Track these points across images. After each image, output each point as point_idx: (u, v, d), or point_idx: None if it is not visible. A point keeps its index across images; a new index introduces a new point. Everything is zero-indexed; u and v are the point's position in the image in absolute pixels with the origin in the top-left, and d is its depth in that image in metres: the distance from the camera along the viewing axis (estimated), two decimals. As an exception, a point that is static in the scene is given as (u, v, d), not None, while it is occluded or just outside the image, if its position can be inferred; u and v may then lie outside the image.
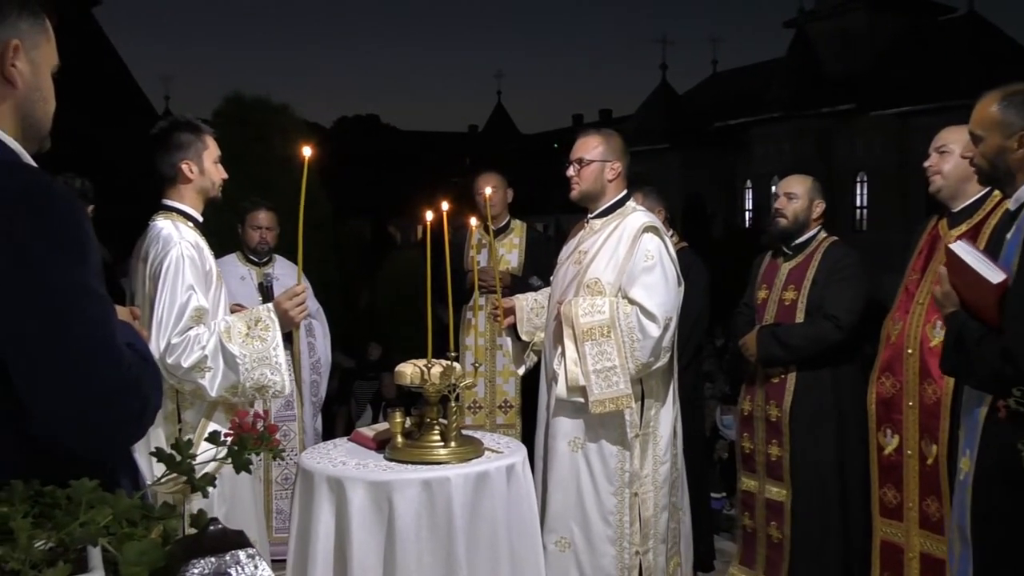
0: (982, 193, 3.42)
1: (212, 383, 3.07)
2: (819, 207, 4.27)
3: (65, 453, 1.51)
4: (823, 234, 4.28)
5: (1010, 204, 2.71)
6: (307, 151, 3.12)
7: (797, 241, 4.27)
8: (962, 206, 3.49)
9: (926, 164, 3.55)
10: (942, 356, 2.78)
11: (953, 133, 3.48)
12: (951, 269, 2.68)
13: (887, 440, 3.61)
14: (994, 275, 2.51)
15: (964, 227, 3.43)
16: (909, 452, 3.52)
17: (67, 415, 1.51)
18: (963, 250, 2.63)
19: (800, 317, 4.13)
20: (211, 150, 3.30)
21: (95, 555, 1.19)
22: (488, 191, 4.56)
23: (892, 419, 3.59)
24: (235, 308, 3.84)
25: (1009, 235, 2.62)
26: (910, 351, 3.51)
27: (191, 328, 3.06)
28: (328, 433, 6.12)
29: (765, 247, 4.58)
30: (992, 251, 2.78)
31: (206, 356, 3.05)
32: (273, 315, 3.21)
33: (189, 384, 3.08)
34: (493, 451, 3.24)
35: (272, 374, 3.14)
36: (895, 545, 3.63)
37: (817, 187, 4.32)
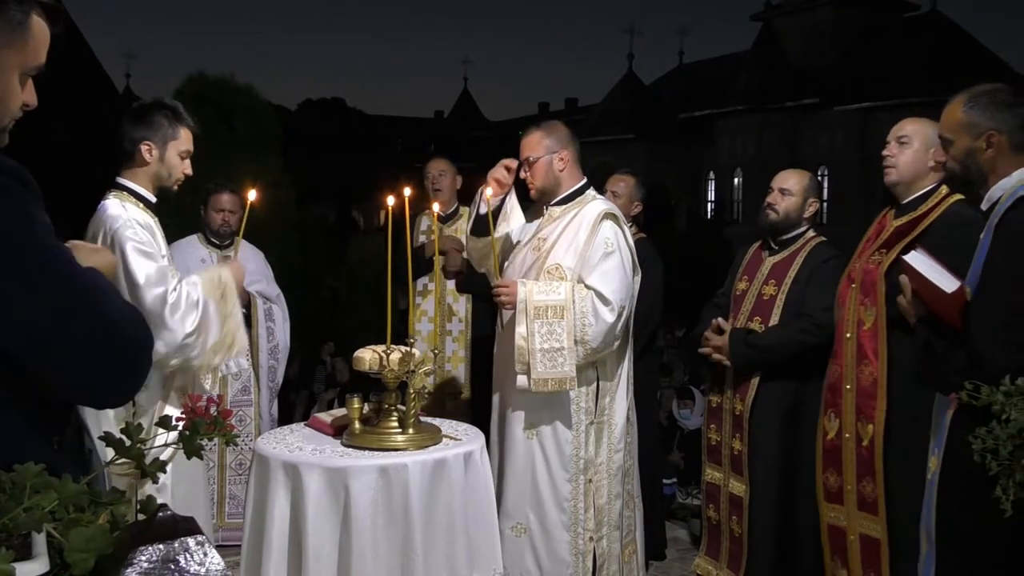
0: (930, 188, 3.43)
1: (204, 344, 3.09)
2: (812, 206, 4.16)
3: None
4: (811, 232, 4.18)
5: (983, 204, 2.70)
6: (252, 195, 3.39)
7: (785, 236, 4.17)
8: (910, 198, 3.47)
9: (884, 153, 3.50)
10: (919, 365, 2.77)
11: (915, 124, 3.45)
12: (911, 279, 2.69)
13: (831, 424, 3.60)
14: (948, 284, 2.51)
15: (906, 218, 3.43)
16: (847, 435, 3.51)
17: (101, 374, 1.53)
18: (917, 260, 2.63)
19: (778, 313, 4.03)
20: (180, 141, 3.24)
21: (39, 541, 1.17)
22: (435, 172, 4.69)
23: (836, 403, 3.58)
24: None
25: (982, 235, 2.61)
26: (848, 335, 3.51)
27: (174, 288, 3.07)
28: (288, 418, 6.08)
29: (756, 236, 4.44)
30: (929, 245, 2.81)
31: (198, 313, 3.07)
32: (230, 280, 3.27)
33: (178, 350, 3.04)
34: (451, 438, 3.23)
35: (238, 331, 3.20)
36: (839, 528, 3.63)
37: (813, 185, 4.19)
